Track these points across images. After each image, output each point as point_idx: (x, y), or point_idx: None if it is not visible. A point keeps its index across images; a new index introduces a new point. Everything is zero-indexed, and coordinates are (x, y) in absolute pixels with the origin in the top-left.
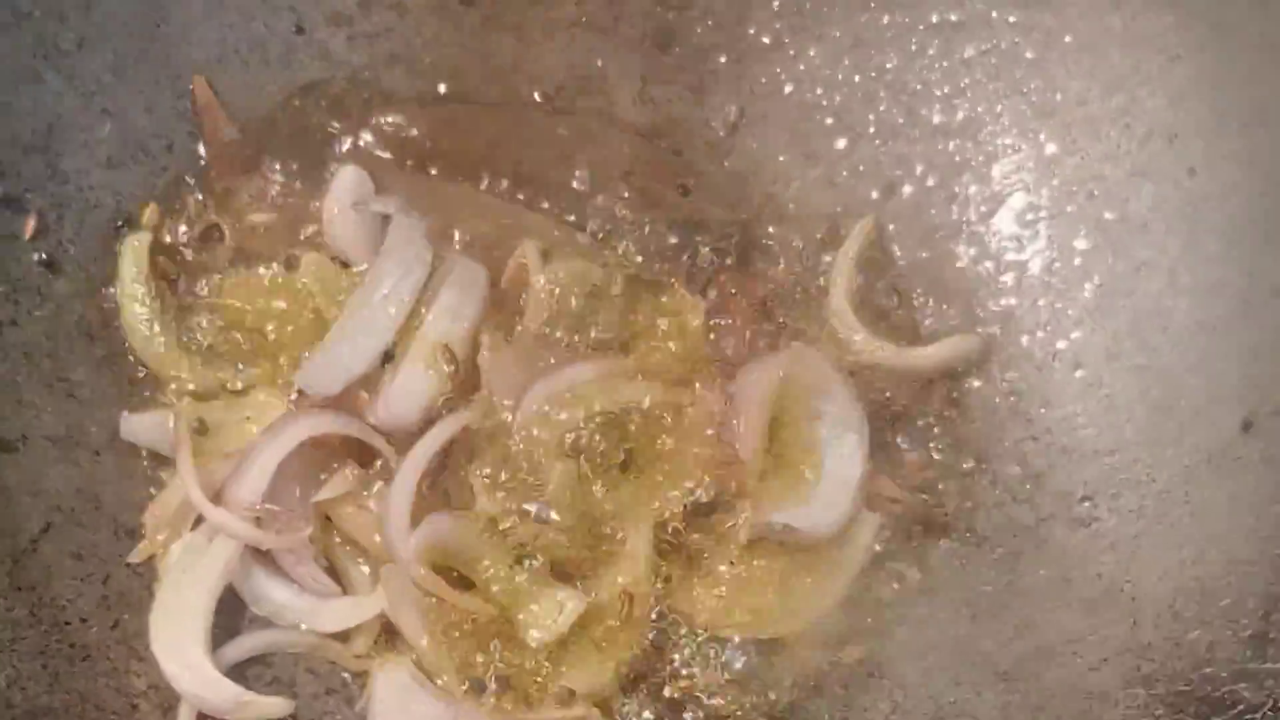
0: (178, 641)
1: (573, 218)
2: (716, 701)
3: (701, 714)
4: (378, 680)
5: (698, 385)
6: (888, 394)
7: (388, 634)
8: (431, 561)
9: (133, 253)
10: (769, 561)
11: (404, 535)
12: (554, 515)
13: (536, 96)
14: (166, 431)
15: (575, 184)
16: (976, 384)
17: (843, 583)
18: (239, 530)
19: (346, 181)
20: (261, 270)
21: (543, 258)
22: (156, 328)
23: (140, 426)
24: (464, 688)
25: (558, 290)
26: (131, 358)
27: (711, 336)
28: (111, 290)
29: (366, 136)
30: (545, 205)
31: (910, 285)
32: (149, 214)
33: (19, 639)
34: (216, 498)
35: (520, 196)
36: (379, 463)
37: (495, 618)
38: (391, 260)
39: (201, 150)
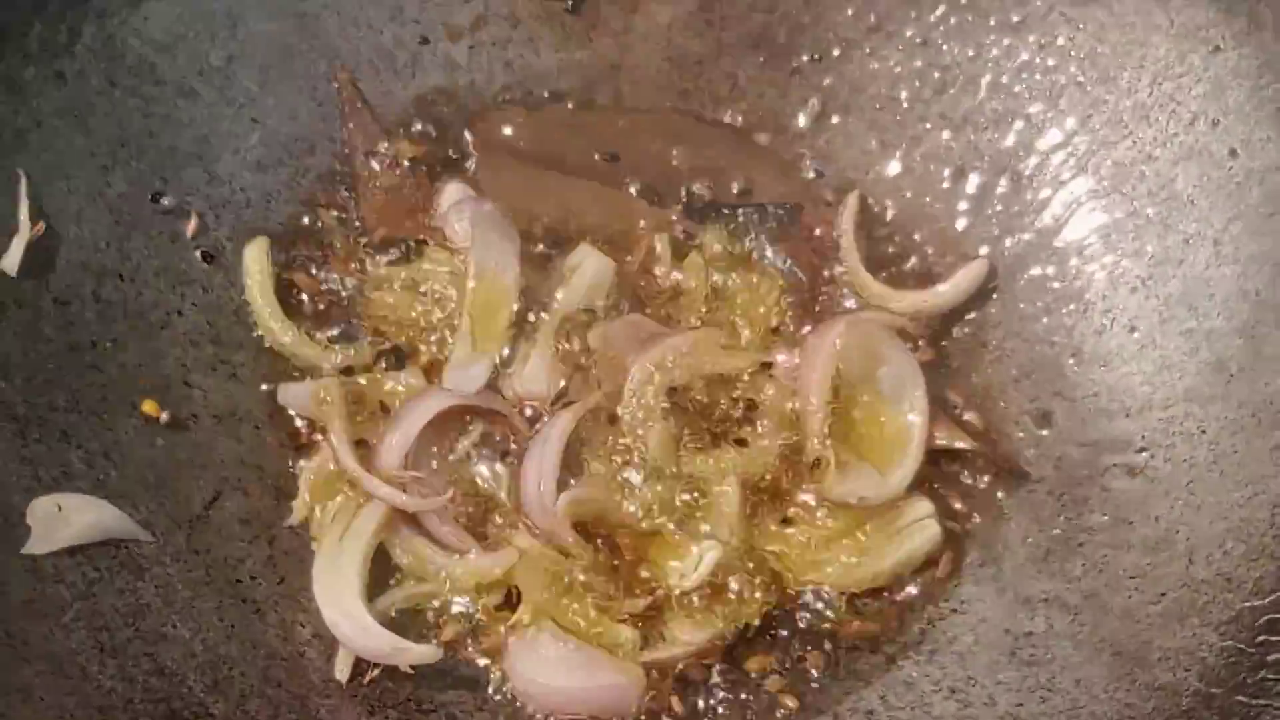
0: (338, 594)
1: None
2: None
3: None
4: (514, 635)
5: (776, 352)
6: (952, 362)
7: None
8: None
9: (253, 257)
10: (844, 522)
11: (551, 501)
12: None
13: (637, 97)
14: (318, 400)
15: (673, 174)
16: (1041, 348)
17: (894, 567)
18: (387, 495)
19: (451, 194)
20: (390, 263)
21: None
22: (284, 323)
23: (296, 395)
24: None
25: (690, 279)
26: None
27: (786, 309)
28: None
29: (487, 137)
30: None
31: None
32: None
33: (198, 596)
34: (365, 464)
35: (631, 189)
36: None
37: (627, 572)
38: (481, 245)
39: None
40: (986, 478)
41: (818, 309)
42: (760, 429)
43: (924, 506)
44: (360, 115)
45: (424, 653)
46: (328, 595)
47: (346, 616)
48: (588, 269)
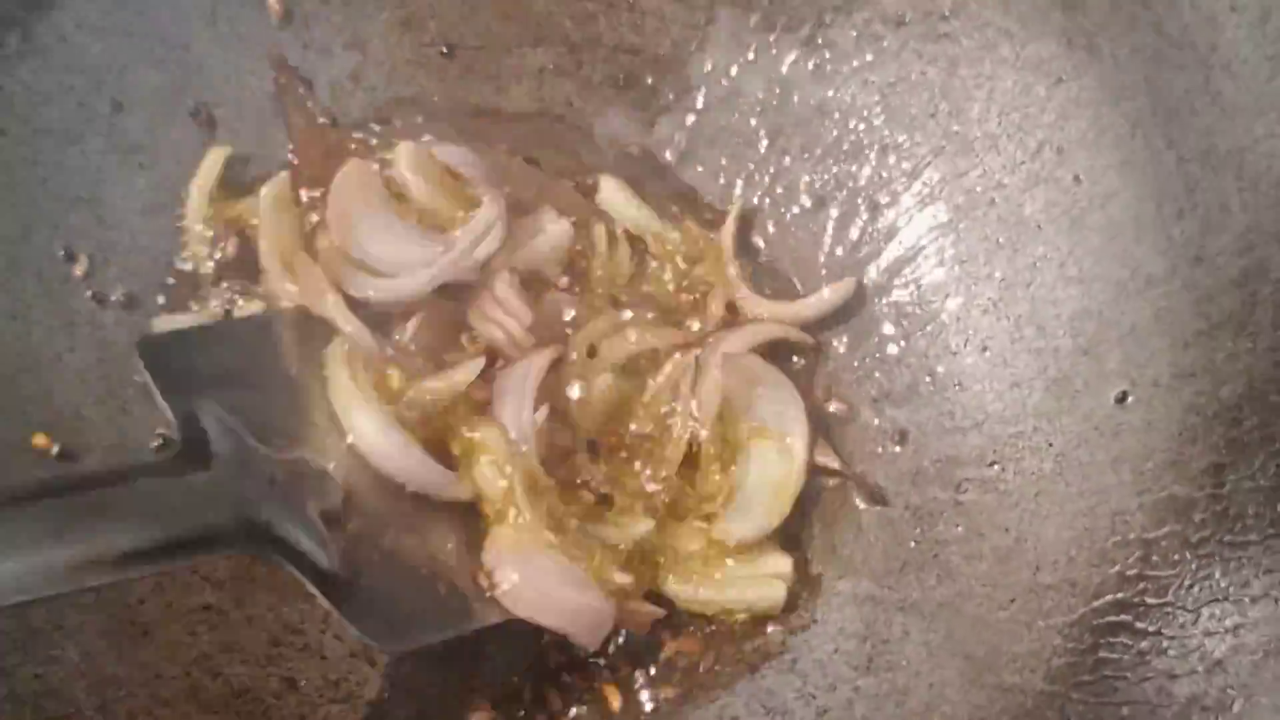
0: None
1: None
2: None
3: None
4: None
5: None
6: (816, 387)
7: None
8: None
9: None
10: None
11: (529, 426)
12: None
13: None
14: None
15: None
16: (898, 371)
17: (728, 604)
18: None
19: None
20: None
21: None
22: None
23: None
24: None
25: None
26: None
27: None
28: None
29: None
30: None
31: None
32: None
33: (86, 620)
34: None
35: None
36: None
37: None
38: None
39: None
40: (848, 495)
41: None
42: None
43: (784, 563)
44: (297, 95)
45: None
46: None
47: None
48: (551, 233)
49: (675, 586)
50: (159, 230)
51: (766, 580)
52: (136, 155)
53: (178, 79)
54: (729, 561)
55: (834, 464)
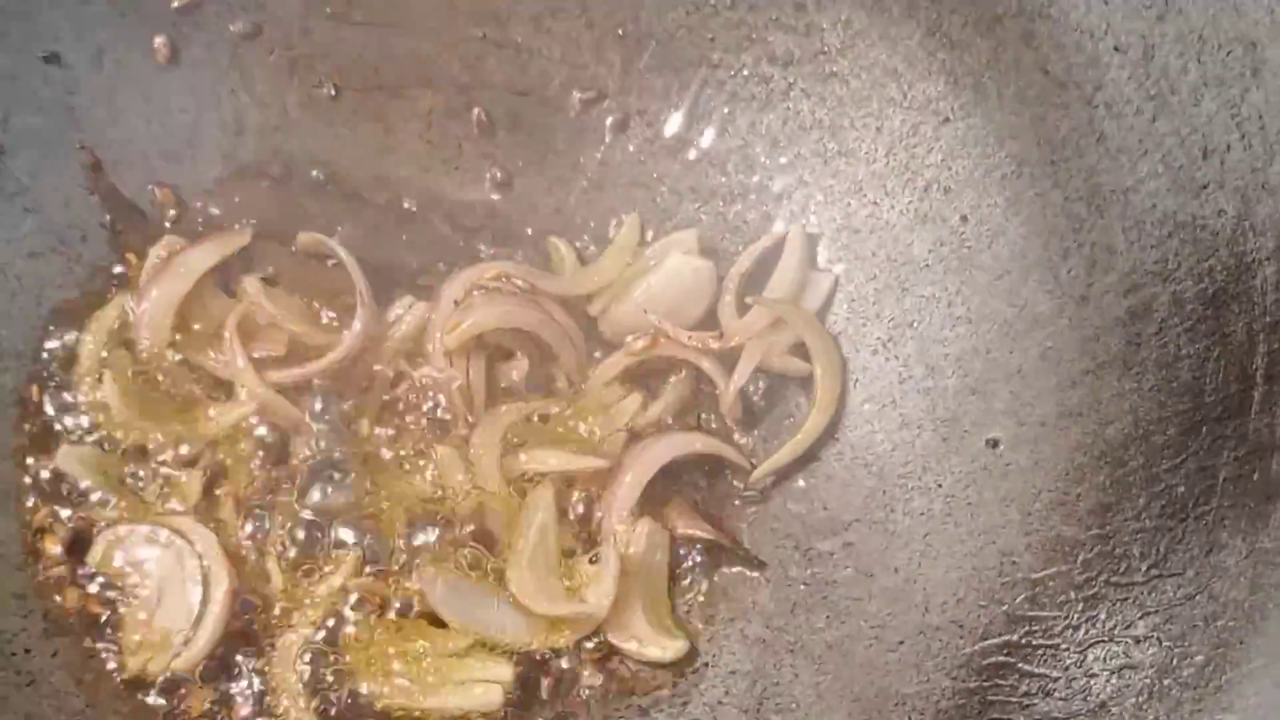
0: None
1: None
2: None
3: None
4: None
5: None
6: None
7: None
8: None
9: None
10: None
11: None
12: None
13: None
14: (92, 467)
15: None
16: (790, 408)
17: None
18: None
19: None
20: None
21: None
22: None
23: (74, 457)
24: None
25: None
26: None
27: None
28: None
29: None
30: None
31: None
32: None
33: None
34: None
35: None
36: None
37: None
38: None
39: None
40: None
41: None
42: None
43: (505, 671)
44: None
45: None
46: None
47: None
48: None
49: (395, 690)
50: (45, 274)
51: (484, 686)
52: (21, 199)
53: (63, 122)
54: (447, 666)
55: (709, 535)
